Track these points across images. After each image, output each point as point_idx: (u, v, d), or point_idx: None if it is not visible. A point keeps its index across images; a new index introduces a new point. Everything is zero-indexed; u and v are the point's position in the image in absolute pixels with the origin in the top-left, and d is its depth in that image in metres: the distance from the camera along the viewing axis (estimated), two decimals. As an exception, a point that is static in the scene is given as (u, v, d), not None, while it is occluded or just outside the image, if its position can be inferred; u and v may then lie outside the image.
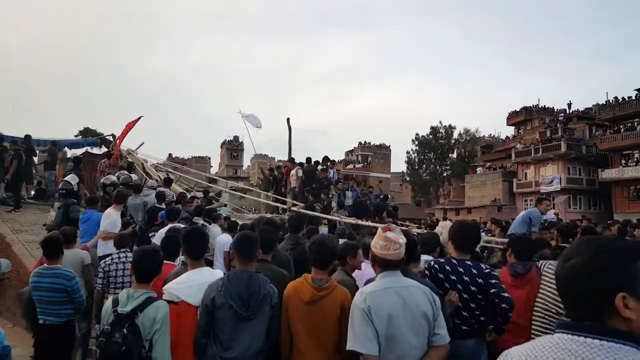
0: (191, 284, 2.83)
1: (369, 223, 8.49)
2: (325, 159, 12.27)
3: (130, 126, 13.91)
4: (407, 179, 60.75)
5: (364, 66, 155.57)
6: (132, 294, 2.61)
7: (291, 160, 12.50)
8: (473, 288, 2.88)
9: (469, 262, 2.97)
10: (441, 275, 2.98)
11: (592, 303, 1.05)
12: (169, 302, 2.71)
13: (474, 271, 2.91)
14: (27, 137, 11.65)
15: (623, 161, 32.11)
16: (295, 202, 10.72)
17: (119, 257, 4.91)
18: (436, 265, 3.05)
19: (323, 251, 2.87)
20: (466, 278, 2.90)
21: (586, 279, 1.05)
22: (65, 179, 8.72)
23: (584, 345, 1.02)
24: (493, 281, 2.87)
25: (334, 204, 10.36)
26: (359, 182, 15.44)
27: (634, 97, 32.60)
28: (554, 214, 30.63)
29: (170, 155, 75.67)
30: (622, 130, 32.12)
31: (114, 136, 14.34)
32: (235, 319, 2.62)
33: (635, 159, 31.59)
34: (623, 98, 33.65)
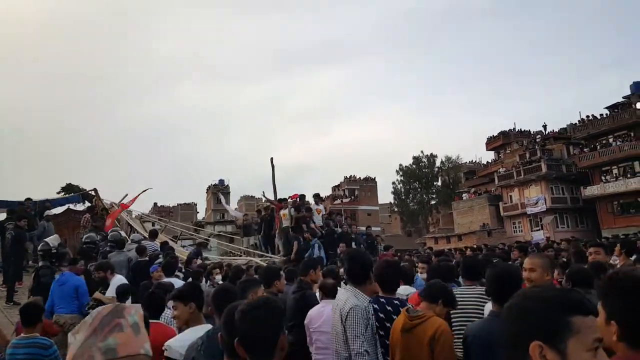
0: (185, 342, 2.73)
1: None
2: (316, 195, 13.04)
3: (136, 197, 14.77)
4: (395, 209, 60.98)
5: (341, 100, 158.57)
6: None
7: (280, 200, 12.85)
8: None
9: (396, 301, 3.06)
10: (382, 315, 2.97)
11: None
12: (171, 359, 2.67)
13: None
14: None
15: (603, 177, 32.67)
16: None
17: None
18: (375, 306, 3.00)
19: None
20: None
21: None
22: (45, 240, 8.35)
23: None
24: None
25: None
26: (346, 217, 16.31)
27: (605, 115, 33.69)
28: (544, 235, 30.66)
29: (155, 204, 74.82)
30: (599, 147, 32.96)
31: (96, 191, 14.19)
32: None
33: (614, 174, 32.21)
34: (594, 116, 34.76)
